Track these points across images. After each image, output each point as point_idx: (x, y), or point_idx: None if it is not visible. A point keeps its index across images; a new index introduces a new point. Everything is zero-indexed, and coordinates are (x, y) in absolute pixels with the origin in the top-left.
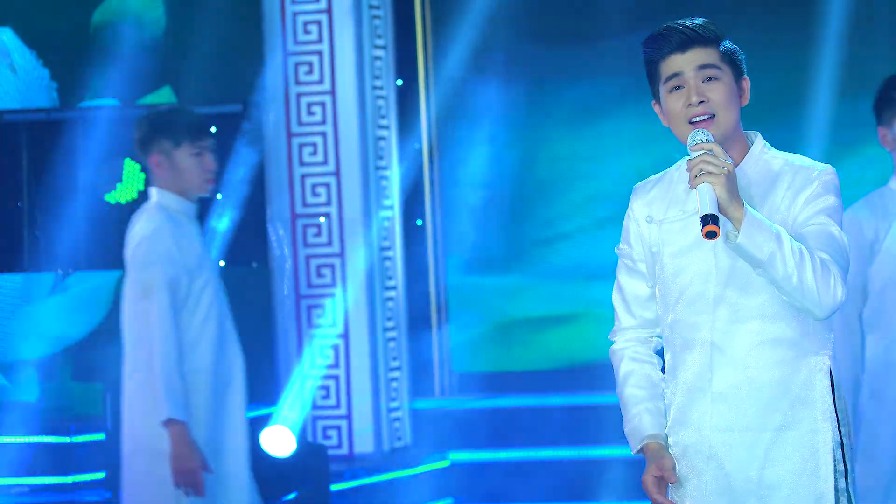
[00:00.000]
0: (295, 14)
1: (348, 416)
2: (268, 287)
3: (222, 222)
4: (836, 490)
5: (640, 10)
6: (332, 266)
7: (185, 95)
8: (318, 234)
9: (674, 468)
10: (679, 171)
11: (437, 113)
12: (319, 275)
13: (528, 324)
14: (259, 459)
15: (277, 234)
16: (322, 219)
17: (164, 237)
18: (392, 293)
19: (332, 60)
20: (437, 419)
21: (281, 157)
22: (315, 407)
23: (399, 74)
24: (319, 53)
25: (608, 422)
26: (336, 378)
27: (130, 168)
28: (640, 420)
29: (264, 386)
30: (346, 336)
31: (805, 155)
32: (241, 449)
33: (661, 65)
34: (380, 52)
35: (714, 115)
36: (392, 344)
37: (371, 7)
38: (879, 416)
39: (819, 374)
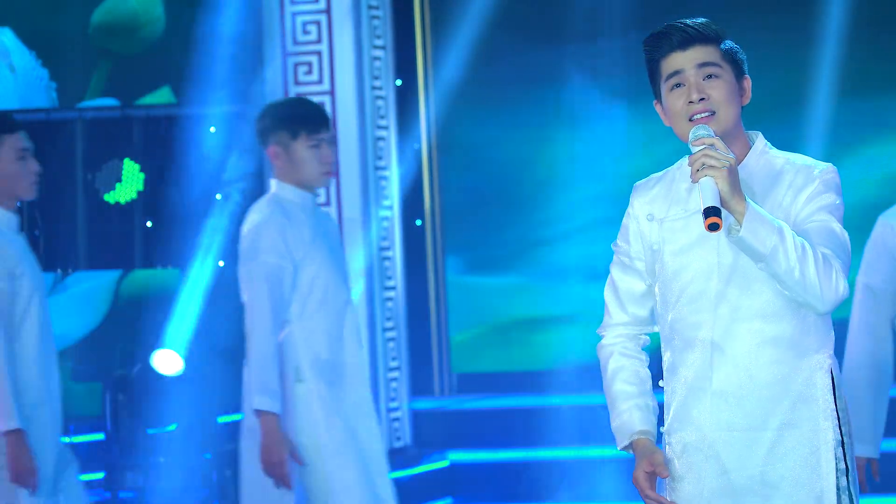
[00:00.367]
0: (294, 14)
1: None
2: None
3: (222, 222)
4: (838, 488)
5: (640, 10)
6: None
7: (184, 95)
8: None
9: (665, 464)
10: (681, 170)
11: (437, 113)
12: None
13: (527, 324)
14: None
15: None
16: None
17: (270, 229)
18: (391, 293)
19: (332, 61)
20: (437, 419)
21: None
22: None
23: (398, 75)
24: (318, 54)
25: (608, 422)
26: None
27: (130, 168)
28: (630, 416)
29: None
30: None
31: (806, 155)
32: (374, 435)
33: (662, 63)
34: (379, 53)
35: (714, 113)
36: (391, 344)
37: (370, 7)
38: None
39: (820, 373)
